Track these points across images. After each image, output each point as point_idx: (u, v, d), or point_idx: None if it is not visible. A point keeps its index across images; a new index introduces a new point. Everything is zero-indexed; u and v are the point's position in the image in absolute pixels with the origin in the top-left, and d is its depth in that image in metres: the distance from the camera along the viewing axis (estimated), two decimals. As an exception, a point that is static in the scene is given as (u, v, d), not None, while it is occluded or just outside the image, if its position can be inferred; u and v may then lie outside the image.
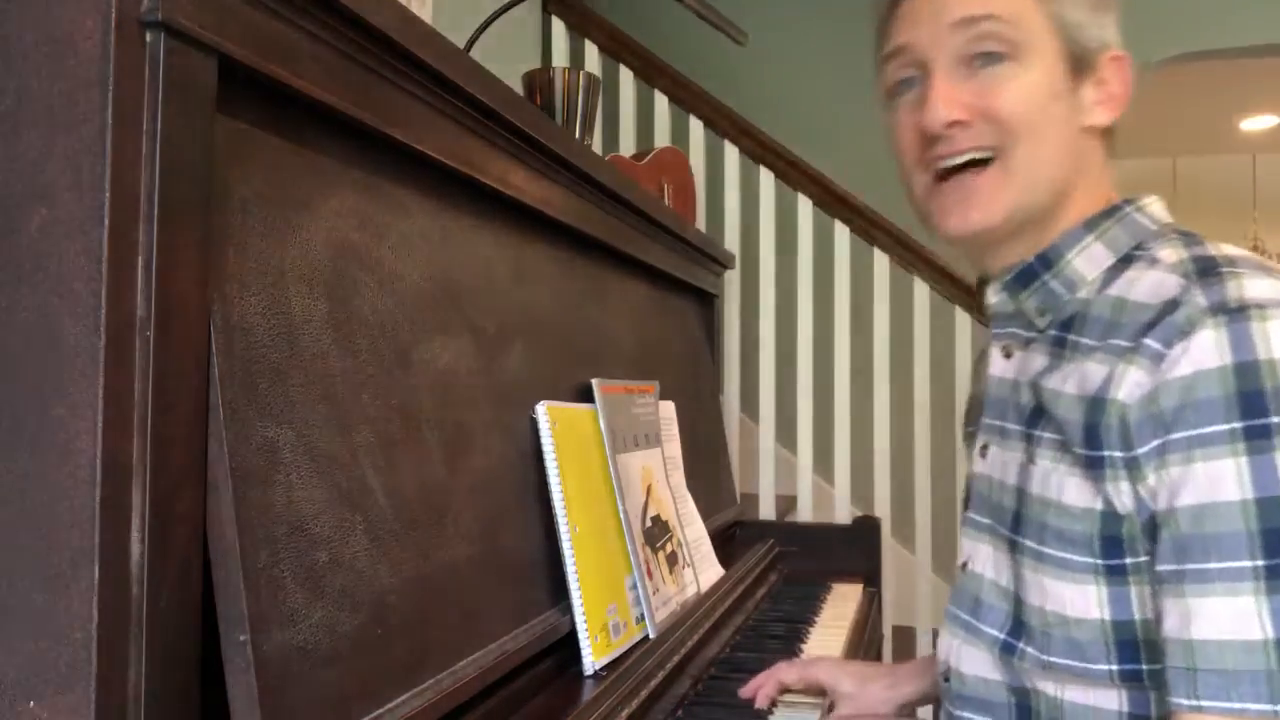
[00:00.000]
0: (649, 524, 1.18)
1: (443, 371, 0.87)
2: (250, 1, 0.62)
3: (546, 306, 1.13)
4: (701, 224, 2.44)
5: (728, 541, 1.75)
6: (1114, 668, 0.72)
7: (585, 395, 1.15)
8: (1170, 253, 0.76)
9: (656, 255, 1.58)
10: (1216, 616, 0.65)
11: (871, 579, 1.83)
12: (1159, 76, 3.15)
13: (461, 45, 1.34)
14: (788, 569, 1.78)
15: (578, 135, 1.60)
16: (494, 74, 0.91)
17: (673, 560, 1.23)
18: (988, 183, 0.79)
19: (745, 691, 1.10)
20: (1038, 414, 0.79)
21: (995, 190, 0.79)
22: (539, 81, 1.59)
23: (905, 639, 2.55)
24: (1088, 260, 0.80)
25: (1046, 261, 0.81)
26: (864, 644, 1.46)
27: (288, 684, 0.59)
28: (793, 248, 2.58)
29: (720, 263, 2.02)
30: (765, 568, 1.67)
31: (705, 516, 1.48)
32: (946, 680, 0.88)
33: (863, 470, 2.54)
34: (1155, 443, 0.68)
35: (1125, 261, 0.79)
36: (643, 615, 1.08)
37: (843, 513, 2.45)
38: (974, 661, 0.84)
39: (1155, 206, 0.83)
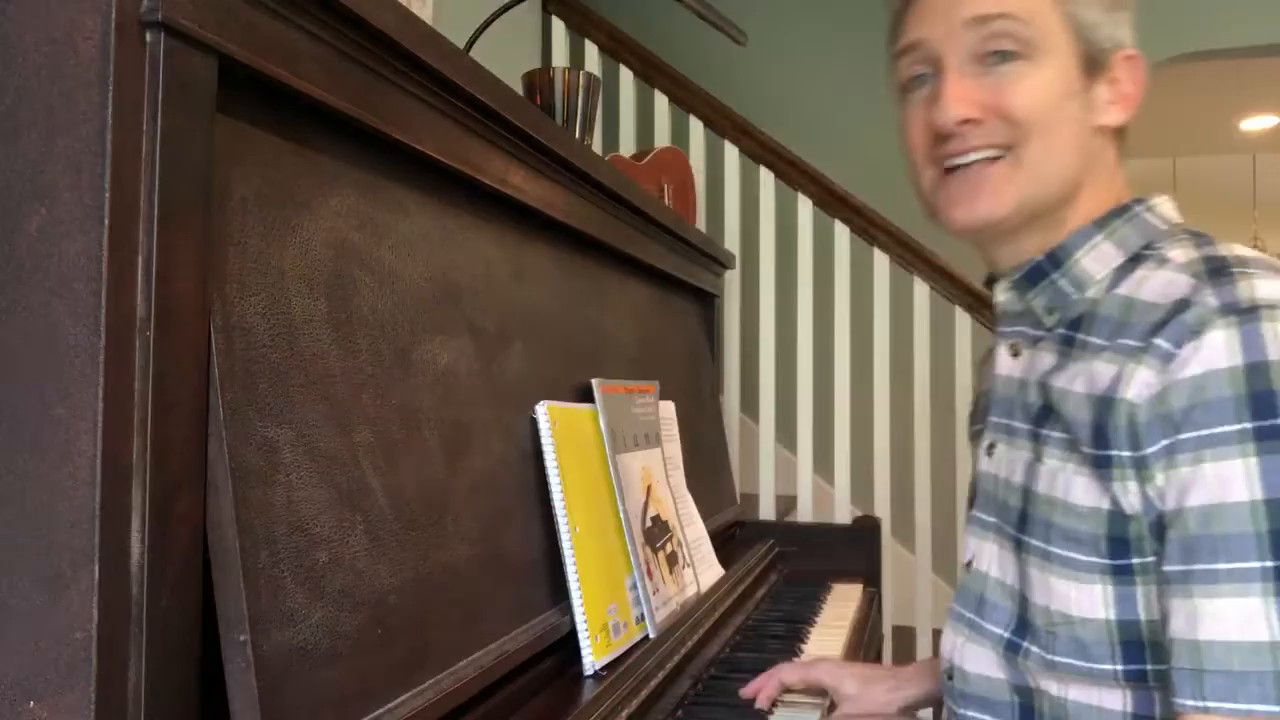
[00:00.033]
0: (649, 524, 1.18)
1: (443, 371, 0.87)
2: (250, 1, 0.61)
3: (546, 306, 1.13)
4: (701, 224, 2.44)
5: (728, 541, 1.75)
6: (1119, 668, 0.72)
7: (585, 395, 1.15)
8: (1181, 253, 0.76)
9: (656, 255, 1.58)
10: (1224, 617, 0.65)
11: (871, 579, 1.83)
12: (1159, 76, 3.14)
13: (461, 45, 1.34)
14: (788, 569, 1.78)
15: (578, 135, 1.60)
16: (494, 74, 0.91)
17: (673, 560, 1.23)
18: (997, 174, 0.79)
19: (746, 692, 1.10)
20: (1045, 413, 0.79)
21: (1004, 182, 0.79)
22: (539, 81, 1.59)
23: (905, 639, 2.55)
24: (1097, 259, 0.80)
25: (1055, 260, 0.81)
26: (864, 644, 1.46)
27: (288, 684, 0.59)
28: (793, 248, 2.58)
29: (720, 263, 2.02)
30: (765, 568, 1.67)
31: (705, 516, 1.48)
32: (950, 678, 0.87)
33: (863, 470, 2.54)
34: (1164, 443, 0.68)
35: (1134, 261, 0.79)
36: (643, 615, 1.08)
37: (843, 513, 2.45)
38: (978, 660, 0.84)
39: (1165, 206, 0.82)
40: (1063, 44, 0.79)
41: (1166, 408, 0.68)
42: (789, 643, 1.35)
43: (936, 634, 2.47)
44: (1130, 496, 0.71)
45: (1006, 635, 0.80)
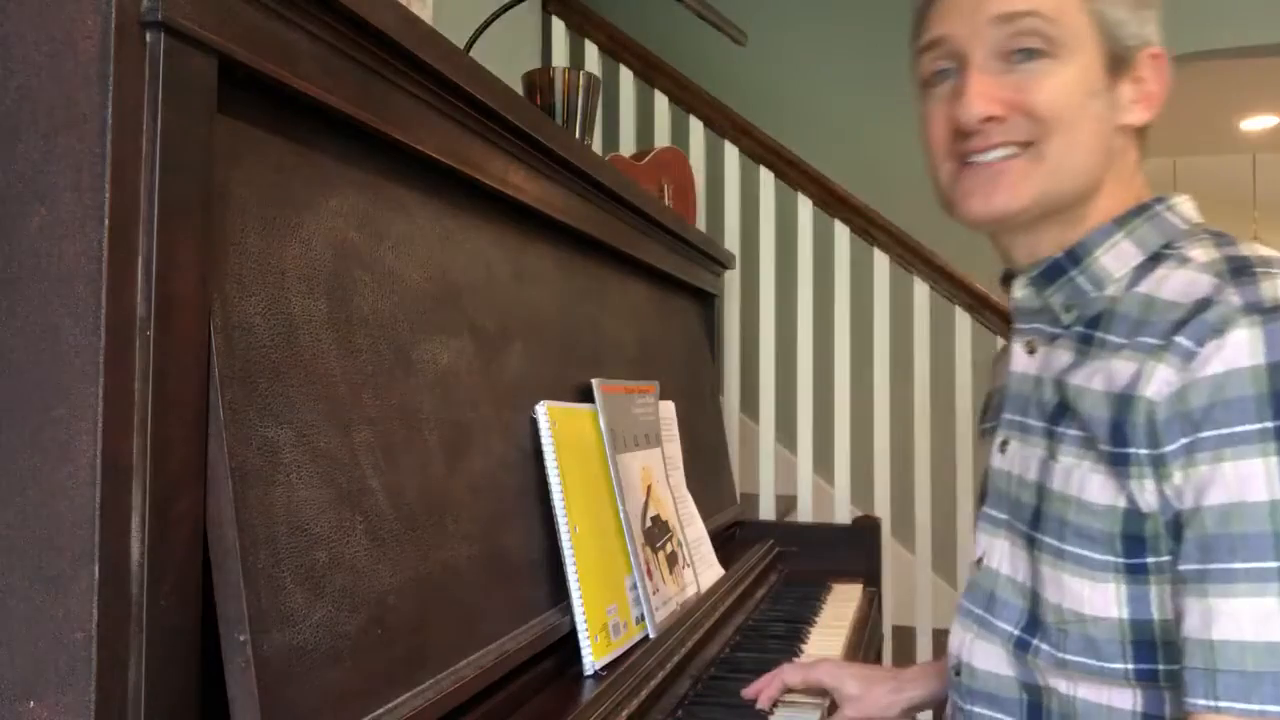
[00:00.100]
0: (649, 524, 1.18)
1: (443, 371, 0.87)
2: (250, 1, 0.62)
3: (546, 306, 1.13)
4: (701, 224, 2.44)
5: (728, 541, 1.75)
6: (1130, 667, 0.72)
7: (585, 395, 1.15)
8: (1202, 252, 0.75)
9: (656, 255, 1.58)
10: (1239, 617, 0.64)
11: (871, 579, 1.83)
12: (1159, 76, 3.15)
13: (461, 45, 1.34)
14: (788, 569, 1.78)
15: (578, 135, 1.60)
16: (494, 74, 0.91)
17: (673, 560, 1.23)
18: (1016, 168, 0.79)
19: (748, 692, 1.10)
20: (1061, 410, 0.79)
21: (1022, 175, 0.79)
22: (539, 81, 1.59)
23: (905, 639, 2.55)
24: (1116, 257, 0.80)
25: (1075, 257, 0.81)
26: (864, 644, 1.46)
27: (287, 684, 0.59)
28: (793, 248, 2.58)
29: (720, 263, 2.02)
30: (765, 568, 1.67)
31: (705, 516, 1.48)
32: (958, 675, 0.87)
33: (863, 470, 2.54)
34: (1183, 441, 0.68)
35: (1154, 260, 0.78)
36: (643, 615, 1.08)
37: (843, 513, 2.45)
38: (987, 657, 0.84)
39: (1186, 206, 0.82)
40: (1088, 42, 0.78)
41: (1186, 406, 0.68)
42: (789, 643, 1.35)
43: (937, 634, 2.48)
44: (1147, 495, 0.70)
45: (1017, 633, 0.80)
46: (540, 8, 2.80)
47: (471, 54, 1.01)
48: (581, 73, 1.60)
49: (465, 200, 0.96)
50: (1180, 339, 0.70)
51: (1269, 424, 0.65)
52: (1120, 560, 0.72)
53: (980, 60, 0.79)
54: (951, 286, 2.50)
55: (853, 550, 1.86)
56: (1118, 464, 0.72)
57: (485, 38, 1.72)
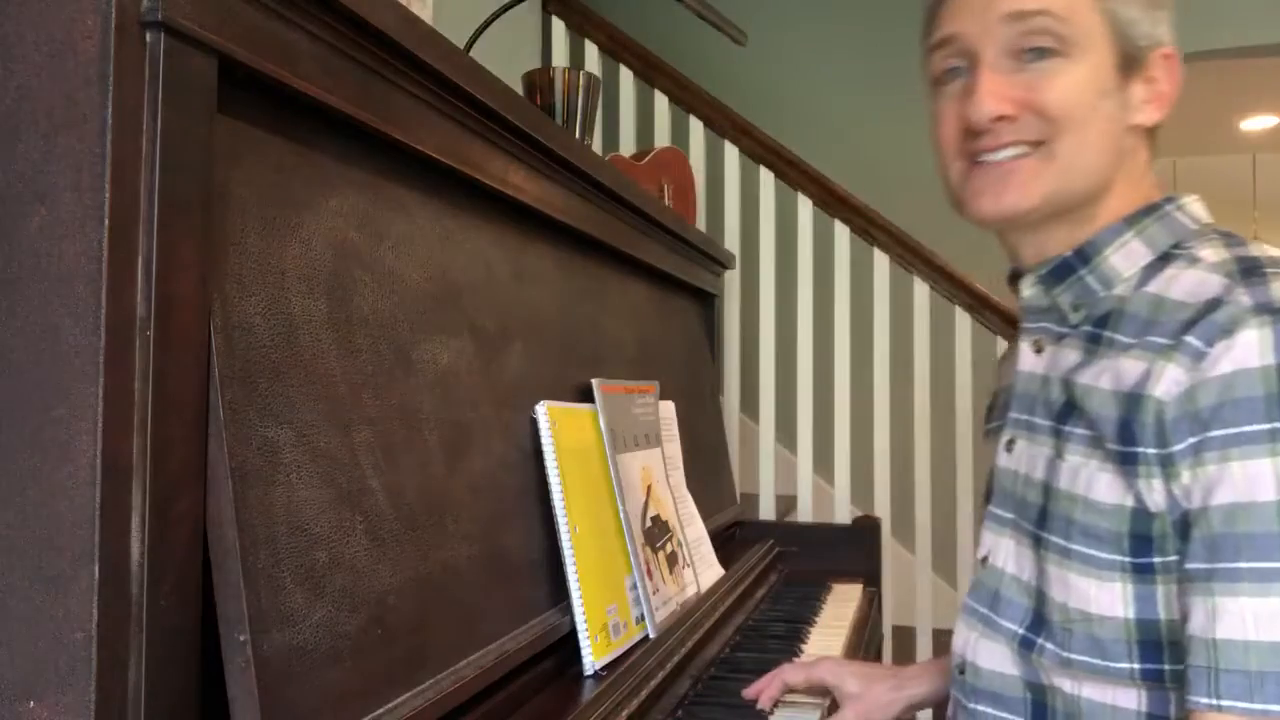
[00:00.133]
0: (649, 524, 1.18)
1: (443, 371, 0.87)
2: (250, 1, 0.62)
3: (546, 306, 1.13)
4: (701, 224, 2.44)
5: (728, 541, 1.75)
6: (1135, 666, 0.72)
7: (585, 395, 1.15)
8: (1212, 252, 0.75)
9: (656, 255, 1.58)
10: (1244, 616, 0.65)
11: (871, 579, 1.83)
12: (1159, 76, 3.15)
13: (461, 45, 1.34)
14: (788, 569, 1.78)
15: (578, 135, 1.60)
16: (494, 74, 0.91)
17: (673, 560, 1.23)
18: (1026, 167, 0.79)
19: (749, 692, 1.10)
20: (1068, 409, 0.79)
21: (1032, 175, 0.79)
22: (539, 81, 1.59)
23: (905, 639, 2.55)
24: (1125, 257, 0.80)
25: (1084, 256, 0.81)
26: (864, 644, 1.46)
27: (287, 684, 0.59)
28: (793, 248, 2.58)
29: (720, 263, 2.02)
30: (765, 568, 1.67)
31: (705, 516, 1.48)
32: (961, 673, 0.87)
33: (863, 470, 2.54)
34: (1192, 440, 0.68)
35: (1164, 260, 0.78)
36: (643, 615, 1.08)
37: (843, 513, 2.45)
38: (991, 655, 0.84)
39: (1195, 206, 0.82)
40: (1100, 41, 0.78)
41: (1195, 405, 0.68)
42: (789, 643, 1.34)
43: (937, 634, 2.48)
44: (1155, 494, 0.70)
45: (1021, 631, 0.80)
46: (540, 8, 2.80)
47: (471, 54, 1.01)
48: (581, 73, 1.60)
49: (465, 200, 0.96)
50: (1190, 339, 0.70)
51: (1278, 424, 0.65)
52: (1127, 560, 0.72)
53: (991, 59, 0.79)
54: (951, 286, 2.51)
55: (853, 550, 1.86)
56: (1126, 463, 0.72)
57: (485, 38, 1.72)
